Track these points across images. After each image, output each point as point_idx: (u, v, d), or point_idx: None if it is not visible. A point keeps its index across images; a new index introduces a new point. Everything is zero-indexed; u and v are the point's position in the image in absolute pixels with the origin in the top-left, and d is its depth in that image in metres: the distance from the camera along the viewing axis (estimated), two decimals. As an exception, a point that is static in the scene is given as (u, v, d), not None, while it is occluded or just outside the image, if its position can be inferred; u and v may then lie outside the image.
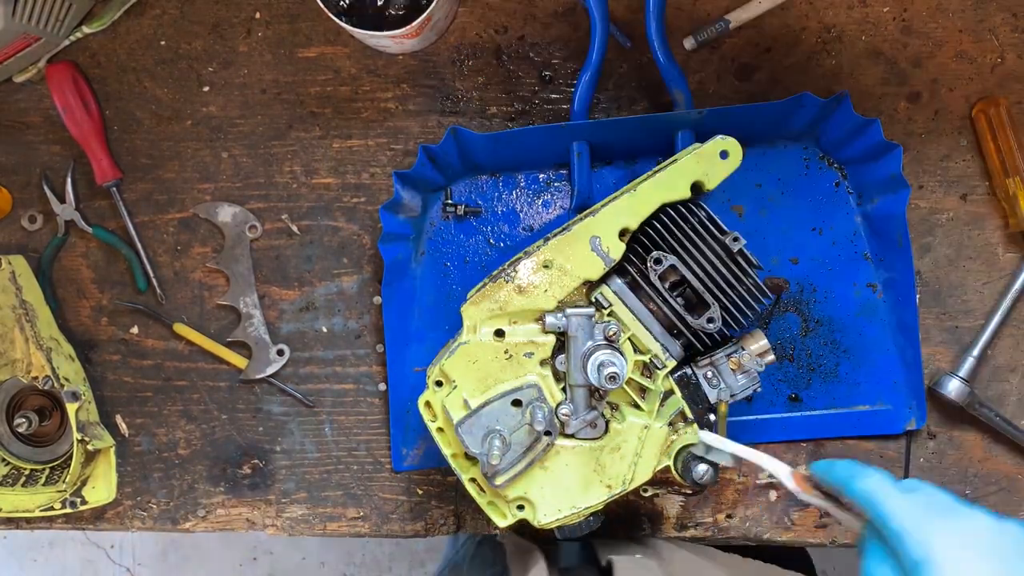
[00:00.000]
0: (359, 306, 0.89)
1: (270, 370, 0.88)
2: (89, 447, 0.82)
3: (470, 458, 0.72)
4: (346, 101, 0.88)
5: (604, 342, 0.69)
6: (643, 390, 0.72)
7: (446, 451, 0.73)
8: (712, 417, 0.73)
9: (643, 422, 0.71)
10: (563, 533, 0.73)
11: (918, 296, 0.85)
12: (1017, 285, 0.85)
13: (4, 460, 0.88)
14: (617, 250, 0.70)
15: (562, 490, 0.71)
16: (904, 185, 0.78)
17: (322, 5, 0.78)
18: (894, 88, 0.85)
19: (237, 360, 0.88)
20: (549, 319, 0.70)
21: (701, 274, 0.70)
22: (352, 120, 0.88)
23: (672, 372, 0.72)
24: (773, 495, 0.86)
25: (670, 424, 0.72)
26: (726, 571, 0.78)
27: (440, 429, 0.73)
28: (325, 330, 0.89)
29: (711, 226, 0.71)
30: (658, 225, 0.71)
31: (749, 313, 0.71)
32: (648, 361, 0.71)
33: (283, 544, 1.87)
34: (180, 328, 0.89)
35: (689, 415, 0.72)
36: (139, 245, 0.88)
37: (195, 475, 0.90)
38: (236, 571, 1.89)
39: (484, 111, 0.87)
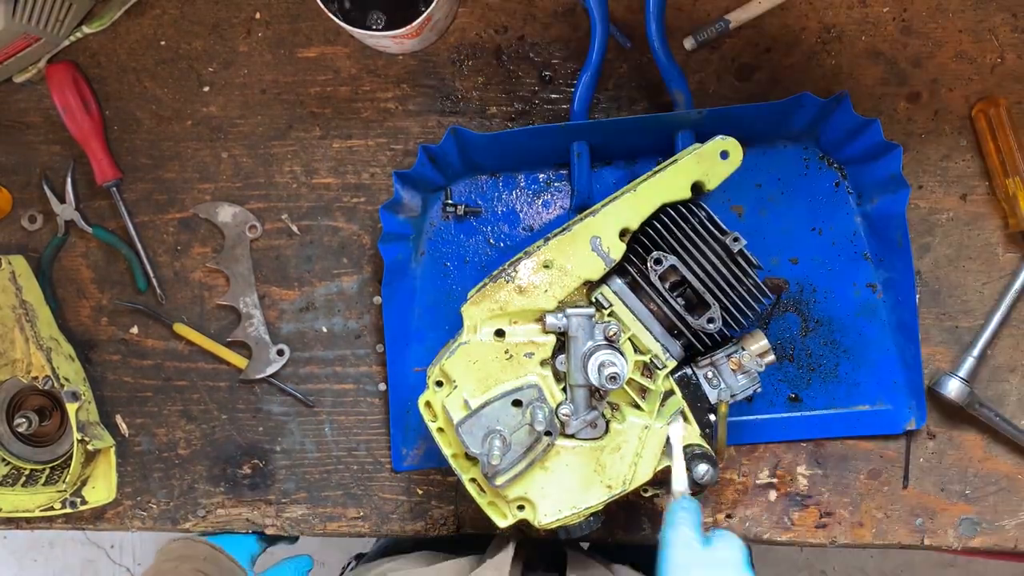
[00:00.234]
0: (359, 306, 0.89)
1: (270, 370, 0.88)
2: (89, 447, 0.82)
3: (470, 458, 0.72)
4: (346, 101, 0.88)
5: (604, 342, 0.69)
6: (643, 390, 0.72)
7: (446, 451, 0.73)
8: (712, 417, 0.73)
9: (643, 422, 0.71)
10: (564, 533, 0.73)
11: (918, 296, 0.86)
12: (1017, 285, 0.85)
13: (4, 460, 0.88)
14: (617, 250, 0.70)
15: (562, 490, 0.71)
16: (904, 185, 0.78)
17: (322, 5, 0.78)
18: (894, 88, 0.85)
19: (237, 360, 0.88)
20: (549, 319, 0.70)
21: (701, 274, 0.70)
22: (352, 120, 0.88)
23: (672, 372, 0.72)
24: (773, 495, 0.86)
25: (670, 424, 0.71)
26: None
27: (440, 429, 0.73)
28: (325, 330, 0.89)
29: (711, 226, 0.71)
30: (658, 225, 0.71)
31: (749, 313, 0.71)
32: (648, 361, 0.71)
33: (283, 544, 1.87)
34: (180, 328, 0.89)
35: (689, 415, 0.72)
36: (139, 245, 0.88)
37: (195, 475, 0.90)
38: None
39: (484, 111, 0.87)
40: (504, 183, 0.87)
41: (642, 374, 0.72)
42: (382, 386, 0.88)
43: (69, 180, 0.88)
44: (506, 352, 0.70)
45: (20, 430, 0.86)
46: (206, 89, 0.89)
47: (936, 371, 0.85)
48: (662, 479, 0.73)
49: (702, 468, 0.68)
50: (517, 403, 0.70)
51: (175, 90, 0.89)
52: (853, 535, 0.86)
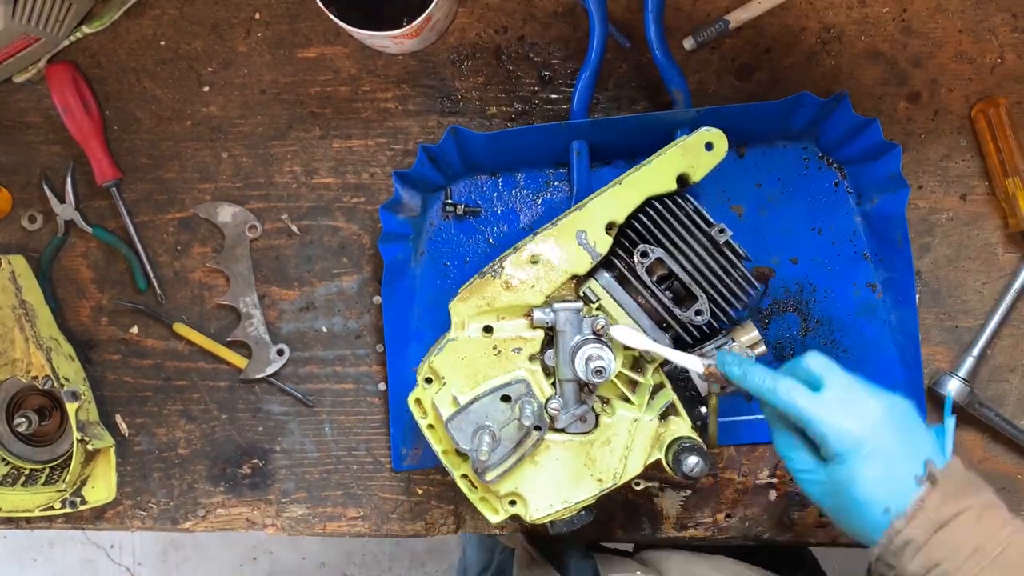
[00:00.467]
0: (359, 306, 0.89)
1: (270, 370, 0.88)
2: (89, 447, 0.82)
3: (461, 454, 0.72)
4: (346, 101, 0.88)
5: (592, 336, 0.69)
6: (633, 384, 0.72)
7: (437, 448, 0.73)
8: (703, 409, 0.73)
9: (633, 415, 0.71)
10: (555, 528, 0.73)
11: (918, 296, 0.85)
12: (1017, 285, 0.85)
13: (4, 460, 0.88)
14: (604, 244, 0.70)
15: (553, 485, 0.71)
16: (904, 185, 0.78)
17: (321, 5, 0.78)
18: (894, 88, 0.85)
19: (237, 360, 0.88)
20: (537, 314, 0.70)
21: (688, 266, 0.70)
22: (352, 120, 0.88)
23: (662, 365, 0.72)
24: (773, 495, 0.86)
25: (661, 417, 0.71)
26: None
27: (431, 426, 0.73)
28: (325, 330, 0.89)
29: (697, 218, 0.71)
30: (644, 218, 0.71)
31: (737, 304, 0.71)
32: (638, 355, 0.71)
33: (283, 544, 1.87)
34: (180, 328, 0.89)
35: (680, 408, 0.72)
36: (139, 245, 0.88)
37: (195, 475, 0.90)
38: (236, 571, 1.89)
39: (484, 111, 0.87)
40: (504, 183, 0.87)
41: (631, 367, 0.72)
42: (382, 386, 0.88)
43: (69, 180, 0.88)
44: (494, 348, 0.70)
45: (20, 430, 0.86)
46: (206, 89, 0.89)
47: (936, 371, 0.85)
48: (653, 473, 0.73)
49: (692, 460, 0.67)
50: (506, 398, 0.70)
51: (175, 90, 0.89)
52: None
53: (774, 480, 0.86)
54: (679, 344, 0.73)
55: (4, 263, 0.85)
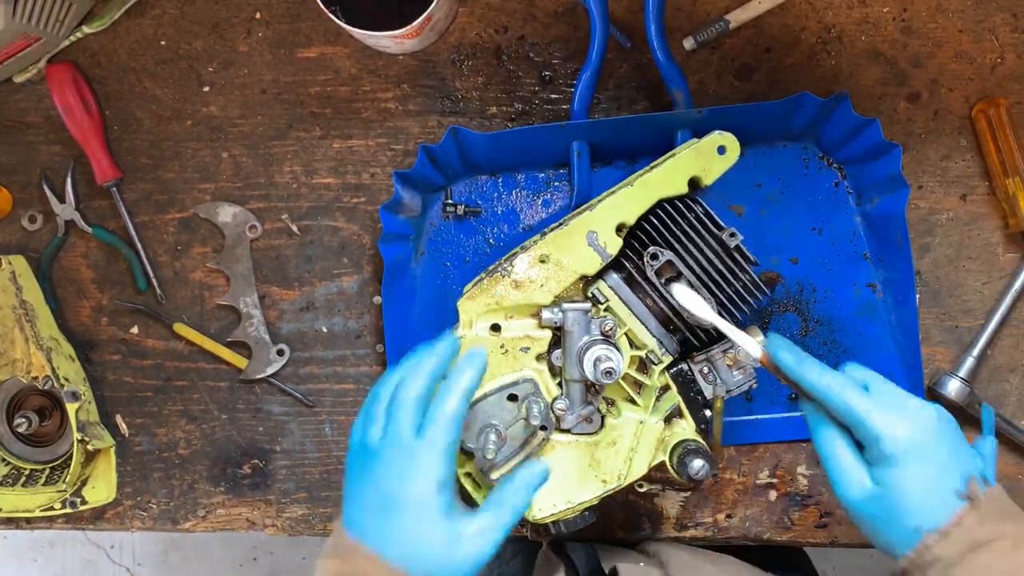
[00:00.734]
0: (359, 306, 0.89)
1: (270, 370, 0.88)
2: (89, 447, 0.82)
3: (465, 452, 0.72)
4: (346, 101, 0.88)
5: (600, 337, 0.69)
6: (639, 385, 0.72)
7: (441, 445, 0.73)
8: (708, 413, 0.73)
9: (639, 417, 0.71)
10: (558, 528, 0.73)
11: (918, 296, 0.86)
12: (1017, 285, 0.85)
13: (4, 460, 0.88)
14: (614, 245, 0.70)
15: (557, 485, 0.71)
16: (904, 185, 0.78)
17: (321, 5, 0.78)
18: (894, 88, 0.85)
19: (237, 360, 0.88)
20: (545, 314, 0.70)
21: (697, 269, 0.70)
22: (352, 120, 0.88)
23: (668, 368, 0.72)
24: (773, 495, 0.86)
25: (666, 420, 0.72)
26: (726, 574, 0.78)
27: None
28: (325, 330, 0.89)
29: (708, 222, 0.71)
30: (655, 220, 0.71)
31: (745, 309, 0.71)
32: (644, 356, 0.71)
33: (283, 544, 1.87)
34: (180, 328, 0.89)
35: (685, 411, 0.72)
36: (139, 245, 0.88)
37: (195, 475, 0.90)
38: (236, 571, 1.89)
39: (484, 111, 0.87)
40: (504, 183, 0.87)
41: (638, 369, 0.72)
42: (382, 386, 0.88)
43: (69, 180, 0.88)
44: (502, 347, 0.71)
45: (20, 430, 0.86)
46: (206, 89, 0.89)
47: (936, 371, 0.85)
48: (655, 474, 0.73)
49: (697, 463, 0.68)
50: (513, 397, 0.70)
51: (175, 90, 0.89)
52: (853, 535, 0.86)
53: (774, 480, 0.86)
54: (687, 347, 0.73)
55: (4, 263, 0.85)
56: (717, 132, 0.70)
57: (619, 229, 0.70)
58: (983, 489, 0.59)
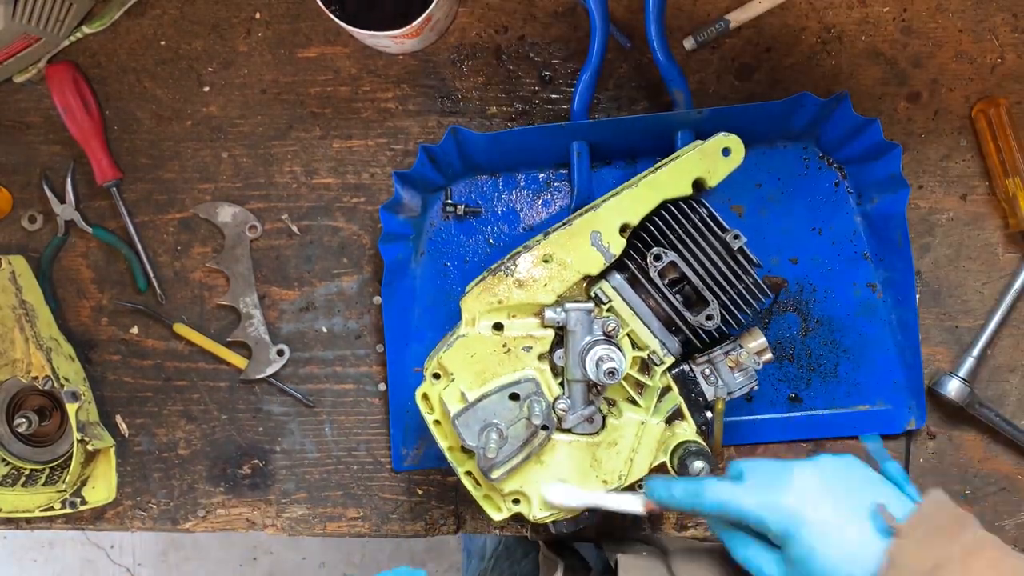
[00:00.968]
0: (359, 306, 0.89)
1: (270, 370, 0.88)
2: (89, 447, 0.82)
3: (466, 451, 0.72)
4: (346, 101, 0.88)
5: (603, 337, 0.69)
6: (640, 386, 0.72)
7: (442, 444, 0.73)
8: (709, 414, 0.73)
9: (640, 418, 0.71)
10: (558, 528, 0.73)
11: (918, 296, 0.86)
12: (1017, 285, 0.85)
13: (4, 460, 0.88)
14: (617, 246, 0.70)
15: None
16: (904, 185, 0.78)
17: (321, 5, 0.78)
18: (894, 88, 0.85)
19: (237, 360, 0.88)
20: (548, 313, 0.70)
21: (701, 271, 0.70)
22: (352, 120, 0.88)
23: (670, 369, 0.72)
24: (773, 495, 0.86)
25: (667, 421, 0.72)
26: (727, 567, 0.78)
27: (437, 422, 0.73)
28: (325, 330, 0.89)
29: (712, 223, 0.71)
30: (659, 221, 0.71)
31: (748, 311, 0.71)
32: (646, 357, 0.71)
33: (283, 544, 1.87)
34: (180, 328, 0.89)
35: (686, 412, 0.72)
36: (139, 245, 0.88)
37: (195, 475, 0.90)
38: (236, 571, 1.89)
39: (484, 111, 0.87)
40: (504, 183, 0.87)
41: (639, 370, 0.72)
42: (382, 386, 0.88)
43: (69, 180, 0.88)
44: (504, 346, 0.71)
45: (20, 430, 0.86)
46: (206, 89, 0.89)
47: (936, 371, 0.85)
48: (656, 475, 0.73)
49: (698, 464, 0.68)
50: (514, 397, 0.70)
51: (175, 90, 0.89)
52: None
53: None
54: (689, 349, 0.73)
55: (4, 263, 0.85)
56: (722, 134, 0.70)
57: (623, 230, 0.70)
58: (903, 514, 0.54)
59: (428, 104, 0.88)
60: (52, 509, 0.85)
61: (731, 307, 0.71)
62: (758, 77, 0.86)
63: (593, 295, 0.71)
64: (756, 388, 0.74)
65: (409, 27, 0.77)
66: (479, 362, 0.70)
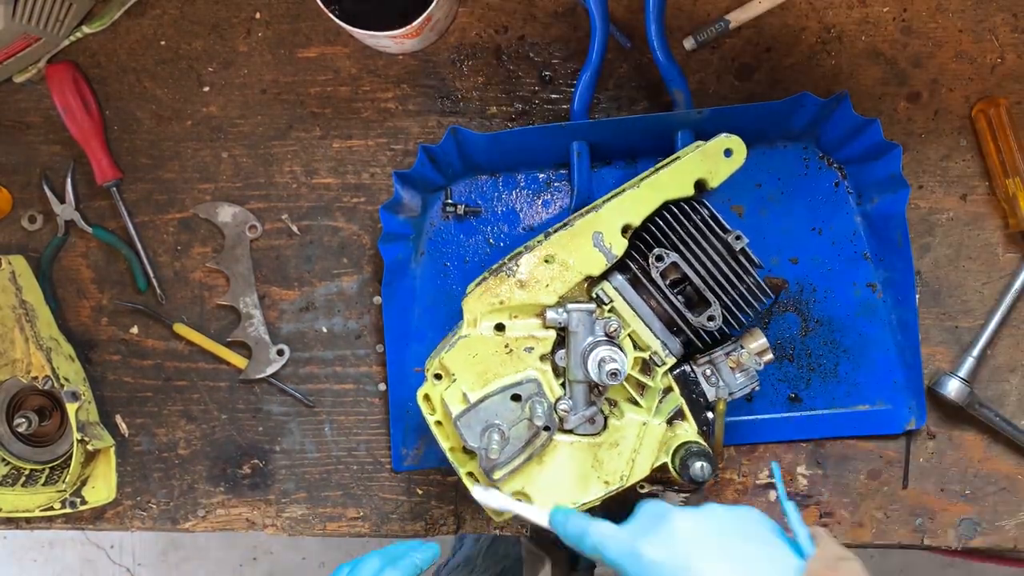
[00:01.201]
0: (359, 306, 0.89)
1: (270, 370, 0.88)
2: (89, 447, 0.82)
3: (468, 452, 0.72)
4: (346, 101, 0.88)
5: (604, 338, 0.69)
6: (642, 387, 0.72)
7: (444, 444, 0.73)
8: (710, 415, 0.73)
9: (641, 419, 0.71)
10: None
11: (918, 296, 0.86)
12: (1017, 285, 0.85)
13: (4, 460, 0.88)
14: (619, 246, 0.70)
15: (559, 485, 0.71)
16: (904, 185, 0.78)
17: (321, 5, 0.78)
18: (894, 88, 0.85)
19: (237, 360, 0.88)
20: (550, 314, 0.70)
21: (702, 272, 0.70)
22: (352, 120, 0.88)
23: (671, 369, 0.72)
24: (773, 495, 0.86)
25: (668, 421, 0.72)
26: None
27: (438, 422, 0.73)
28: (325, 330, 0.89)
29: (713, 224, 0.71)
30: (660, 222, 0.71)
31: (749, 312, 0.71)
32: (648, 358, 0.71)
33: (283, 544, 1.87)
34: (180, 328, 0.89)
35: (687, 412, 0.72)
36: (139, 245, 0.88)
37: (195, 475, 0.90)
38: (236, 571, 1.89)
39: (484, 111, 0.87)
40: (504, 183, 0.87)
41: (641, 371, 0.72)
42: (382, 386, 0.88)
43: (69, 180, 0.88)
44: (506, 346, 0.71)
45: (20, 430, 0.86)
46: (206, 89, 0.89)
47: (936, 371, 0.85)
48: (657, 476, 0.73)
49: (699, 465, 0.68)
50: (516, 397, 0.70)
51: (175, 90, 0.89)
52: (853, 535, 0.86)
53: (774, 480, 0.86)
54: (690, 349, 0.73)
55: (4, 263, 0.85)
56: (724, 135, 0.70)
57: (625, 230, 0.70)
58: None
59: (428, 104, 0.88)
60: (52, 509, 0.85)
61: (733, 308, 0.71)
62: (758, 77, 0.86)
63: (595, 296, 0.71)
64: (757, 388, 0.74)
65: (409, 27, 0.77)
66: (481, 363, 0.70)
